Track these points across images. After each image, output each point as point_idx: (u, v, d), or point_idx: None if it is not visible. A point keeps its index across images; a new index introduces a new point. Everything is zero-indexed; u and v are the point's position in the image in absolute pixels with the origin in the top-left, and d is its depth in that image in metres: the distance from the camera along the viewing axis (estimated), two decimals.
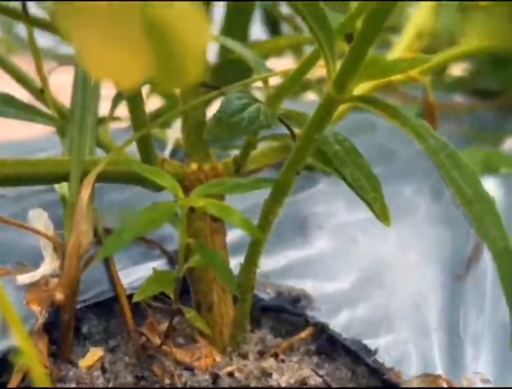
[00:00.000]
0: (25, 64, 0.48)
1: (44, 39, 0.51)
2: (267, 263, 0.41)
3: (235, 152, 0.40)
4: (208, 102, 0.42)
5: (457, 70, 0.85)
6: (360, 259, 0.44)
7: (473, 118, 0.70)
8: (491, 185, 0.56)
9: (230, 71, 0.61)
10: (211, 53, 0.67)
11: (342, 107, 0.39)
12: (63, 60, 0.67)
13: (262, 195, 0.35)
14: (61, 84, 0.48)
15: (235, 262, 0.37)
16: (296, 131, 0.37)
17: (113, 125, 0.51)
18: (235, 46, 0.41)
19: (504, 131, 0.66)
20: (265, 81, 0.40)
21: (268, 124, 0.34)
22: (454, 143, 0.63)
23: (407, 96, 0.63)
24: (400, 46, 0.56)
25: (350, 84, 0.27)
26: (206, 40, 0.16)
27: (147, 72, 0.16)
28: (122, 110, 0.43)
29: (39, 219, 0.34)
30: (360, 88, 0.44)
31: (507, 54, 0.64)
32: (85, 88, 0.37)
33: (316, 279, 0.43)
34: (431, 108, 0.48)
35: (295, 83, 0.37)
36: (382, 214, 0.33)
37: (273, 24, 0.72)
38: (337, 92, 0.27)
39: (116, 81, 0.17)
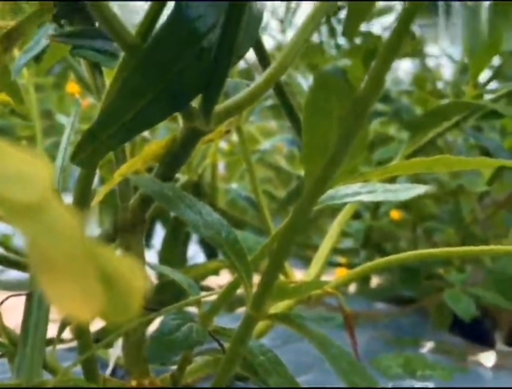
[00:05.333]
0: None
1: None
2: None
3: (173, 367, 0.44)
4: (148, 323, 0.47)
5: (378, 280, 0.94)
6: None
7: (394, 323, 0.77)
8: None
9: (170, 290, 0.67)
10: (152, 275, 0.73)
11: (263, 323, 0.45)
12: (11, 286, 0.71)
13: None
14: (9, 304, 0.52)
15: None
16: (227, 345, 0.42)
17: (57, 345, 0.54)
18: (169, 271, 0.47)
19: (422, 335, 0.73)
20: (198, 301, 0.45)
21: (200, 341, 0.39)
22: (377, 348, 0.69)
23: (330, 307, 0.70)
24: (318, 260, 0.63)
25: (265, 304, 0.33)
26: (143, 287, 0.22)
27: (97, 309, 0.22)
28: (66, 331, 0.47)
29: None
30: (283, 304, 0.51)
31: (415, 265, 0.73)
32: (39, 314, 0.42)
33: None
34: (348, 318, 0.54)
35: (223, 303, 0.43)
36: None
37: (209, 249, 0.80)
38: (254, 311, 0.33)
39: (74, 316, 0.23)
